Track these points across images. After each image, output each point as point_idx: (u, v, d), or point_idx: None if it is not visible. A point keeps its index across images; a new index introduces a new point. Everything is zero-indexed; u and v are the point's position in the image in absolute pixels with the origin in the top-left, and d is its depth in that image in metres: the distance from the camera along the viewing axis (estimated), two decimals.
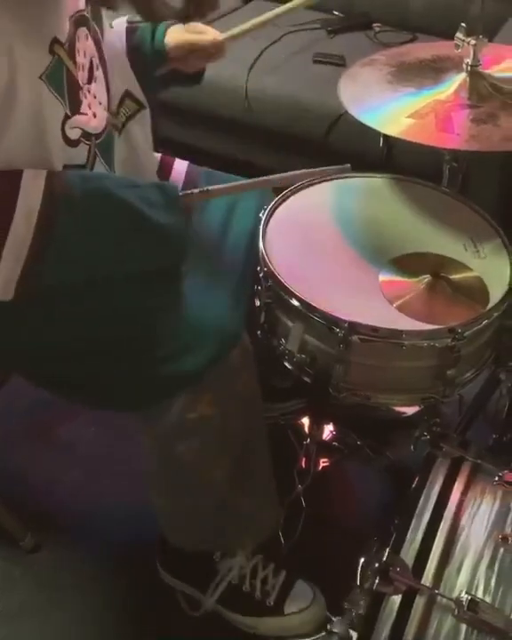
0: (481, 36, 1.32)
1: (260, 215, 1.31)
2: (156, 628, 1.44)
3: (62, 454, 1.76)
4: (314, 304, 1.16)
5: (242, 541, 1.43)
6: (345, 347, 1.14)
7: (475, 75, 1.34)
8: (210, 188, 1.24)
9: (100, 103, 1.19)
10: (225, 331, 1.20)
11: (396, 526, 1.08)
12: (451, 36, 1.36)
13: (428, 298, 1.19)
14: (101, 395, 1.22)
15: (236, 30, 1.35)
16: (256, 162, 2.31)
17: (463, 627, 0.96)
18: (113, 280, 1.14)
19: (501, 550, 1.04)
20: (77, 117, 1.12)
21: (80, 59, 1.13)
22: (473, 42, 1.32)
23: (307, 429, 1.60)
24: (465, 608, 0.96)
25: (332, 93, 1.39)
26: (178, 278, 1.22)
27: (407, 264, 1.24)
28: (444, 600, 0.98)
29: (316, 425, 1.58)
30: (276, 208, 1.34)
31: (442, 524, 1.07)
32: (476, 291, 1.20)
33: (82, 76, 1.14)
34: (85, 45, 1.15)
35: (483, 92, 1.34)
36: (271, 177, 1.28)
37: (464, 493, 1.11)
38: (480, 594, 0.99)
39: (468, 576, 1.01)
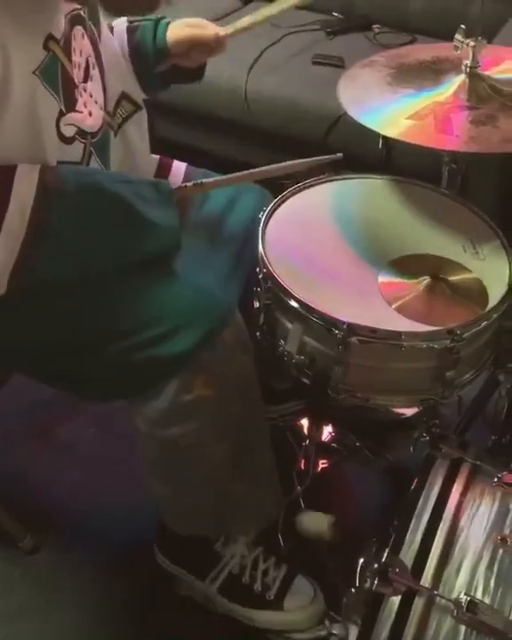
0: (480, 38, 1.32)
1: (260, 216, 1.31)
2: (155, 628, 1.44)
3: (62, 454, 1.76)
4: (313, 305, 1.16)
5: (243, 527, 1.43)
6: (344, 348, 1.14)
7: (474, 76, 1.35)
8: (203, 180, 1.25)
9: (97, 102, 1.20)
10: (215, 310, 1.20)
11: (395, 527, 1.08)
12: (450, 38, 1.36)
13: (428, 299, 1.19)
14: (97, 384, 1.23)
15: (237, 25, 1.35)
16: (255, 163, 2.28)
17: (462, 628, 0.96)
18: (105, 274, 1.15)
19: (500, 551, 1.03)
20: (72, 115, 1.12)
21: (76, 57, 1.13)
22: (472, 43, 1.32)
23: (306, 431, 1.60)
24: (464, 609, 0.96)
25: (332, 95, 1.39)
26: (165, 263, 1.22)
27: (406, 265, 1.24)
28: (443, 601, 0.98)
29: (315, 426, 1.58)
30: (275, 209, 1.34)
31: (441, 525, 1.07)
32: (476, 292, 1.20)
33: (77, 75, 1.14)
34: (81, 44, 1.16)
35: (482, 93, 1.34)
36: (264, 168, 1.29)
37: (463, 494, 1.11)
38: (479, 595, 0.99)
39: (467, 577, 1.01)
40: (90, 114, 1.17)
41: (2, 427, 1.76)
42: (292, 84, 2.25)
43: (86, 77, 1.17)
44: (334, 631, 1.06)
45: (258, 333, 1.31)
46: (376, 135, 1.32)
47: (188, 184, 1.24)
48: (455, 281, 1.21)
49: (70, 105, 1.12)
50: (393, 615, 0.98)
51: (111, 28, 1.32)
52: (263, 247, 1.25)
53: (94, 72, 1.19)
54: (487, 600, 0.98)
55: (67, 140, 1.12)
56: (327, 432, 1.61)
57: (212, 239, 1.33)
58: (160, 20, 1.36)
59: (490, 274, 1.23)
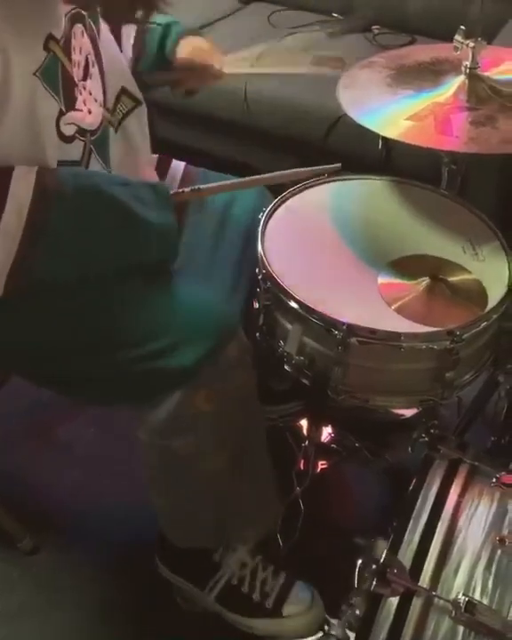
0: (480, 39, 1.32)
1: (259, 217, 1.31)
2: (155, 628, 1.45)
3: (62, 454, 1.77)
4: (312, 306, 1.16)
5: (242, 536, 1.43)
6: (343, 349, 1.14)
7: (473, 77, 1.35)
8: (201, 186, 1.25)
9: (96, 100, 1.20)
10: (221, 325, 1.20)
11: (393, 528, 1.08)
12: (450, 39, 1.36)
13: (427, 300, 1.19)
14: (98, 390, 1.23)
15: (242, 68, 1.37)
16: (254, 164, 2.30)
17: (460, 628, 0.96)
18: (105, 276, 1.15)
19: (499, 552, 1.03)
20: (72, 114, 1.12)
21: (76, 56, 1.13)
22: (472, 44, 1.32)
23: (305, 431, 1.60)
24: (462, 610, 0.96)
25: (331, 95, 1.39)
26: (167, 273, 1.22)
27: (406, 266, 1.24)
28: (442, 602, 0.98)
29: (315, 427, 1.58)
30: (274, 210, 1.34)
31: (439, 525, 1.07)
32: (475, 293, 1.20)
33: (77, 73, 1.14)
34: (81, 42, 1.16)
35: (481, 94, 1.34)
36: (262, 176, 1.30)
37: (461, 495, 1.11)
38: (477, 595, 0.99)
39: (466, 578, 1.01)
40: (89, 112, 1.17)
41: (2, 427, 1.76)
42: (291, 84, 2.25)
43: (86, 75, 1.17)
44: (333, 632, 1.06)
45: (257, 334, 1.31)
46: (376, 136, 1.32)
47: (186, 189, 1.24)
48: (455, 282, 1.21)
49: (70, 104, 1.12)
50: (391, 616, 0.98)
51: None
52: (263, 248, 1.25)
53: (94, 70, 1.19)
54: (485, 600, 0.98)
55: (67, 139, 1.12)
56: (326, 433, 1.62)
57: (214, 244, 1.34)
58: (170, 25, 1.36)
59: (489, 275, 1.23)
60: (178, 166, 1.47)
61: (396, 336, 1.13)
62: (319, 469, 1.60)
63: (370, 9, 2.57)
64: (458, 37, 1.35)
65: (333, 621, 1.06)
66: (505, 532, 1.05)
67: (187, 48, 1.37)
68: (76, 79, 1.13)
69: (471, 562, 1.03)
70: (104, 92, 1.23)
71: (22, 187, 1.03)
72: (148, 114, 1.34)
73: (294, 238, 1.30)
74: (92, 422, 1.81)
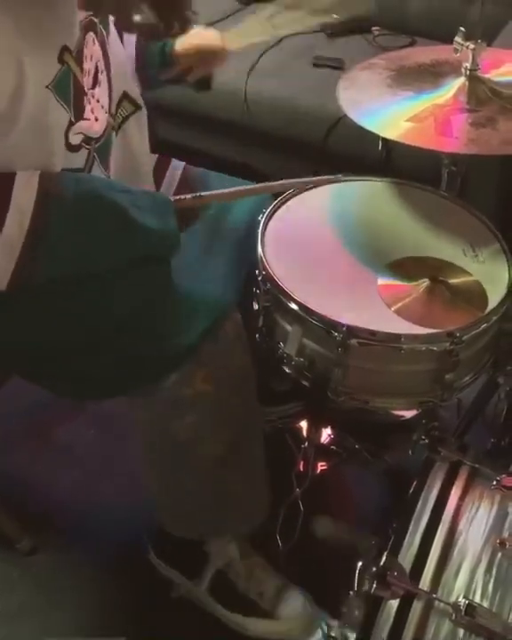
0: (480, 41, 1.33)
1: (259, 219, 1.31)
2: (155, 628, 1.44)
3: (62, 455, 1.77)
4: (312, 308, 1.16)
5: (234, 525, 1.43)
6: (343, 350, 1.14)
7: (474, 79, 1.35)
8: (202, 193, 1.25)
9: (103, 107, 1.20)
10: (216, 304, 1.21)
11: (393, 530, 1.08)
12: (450, 40, 1.36)
13: (427, 302, 1.19)
14: (98, 380, 1.23)
15: (242, 40, 1.36)
16: (254, 165, 2.31)
17: (461, 631, 0.96)
18: (104, 276, 1.15)
19: (499, 555, 1.03)
20: (81, 123, 1.12)
21: (87, 64, 1.13)
22: (472, 46, 1.32)
23: (305, 433, 1.60)
24: (462, 612, 0.96)
25: (331, 97, 1.39)
26: (168, 265, 1.22)
27: (406, 268, 1.24)
28: (442, 604, 0.98)
29: (314, 428, 1.58)
30: (274, 211, 1.34)
31: (439, 528, 1.07)
32: (475, 295, 1.20)
33: (87, 81, 1.14)
34: (92, 50, 1.15)
35: (482, 96, 1.34)
36: (264, 184, 1.30)
37: (462, 497, 1.11)
38: (477, 598, 0.99)
39: (466, 580, 1.01)
40: (96, 119, 1.17)
41: (2, 427, 1.76)
42: (291, 86, 2.25)
43: (95, 83, 1.17)
44: (332, 633, 1.06)
45: (257, 335, 1.31)
46: (376, 137, 1.33)
47: (187, 196, 1.24)
48: (454, 283, 1.21)
49: (79, 114, 1.12)
50: (391, 618, 0.98)
51: None
52: (263, 249, 1.26)
53: (102, 76, 1.19)
54: (485, 603, 0.98)
55: (73, 149, 1.12)
56: (326, 434, 1.61)
57: (211, 240, 1.34)
58: None
59: (489, 276, 1.23)
60: (177, 167, 1.47)
61: (395, 338, 1.13)
62: (319, 471, 1.60)
63: (370, 10, 2.56)
64: (458, 39, 1.35)
65: (333, 623, 1.06)
66: (505, 534, 1.05)
67: (186, 38, 1.37)
68: (85, 88, 1.13)
69: (471, 565, 1.03)
70: (109, 98, 1.23)
71: (25, 192, 1.03)
72: (148, 114, 1.34)
73: (294, 240, 1.30)
74: (91, 422, 1.81)
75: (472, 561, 1.03)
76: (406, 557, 1.04)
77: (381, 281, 1.22)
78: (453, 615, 0.97)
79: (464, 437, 1.45)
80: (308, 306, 1.16)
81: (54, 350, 1.20)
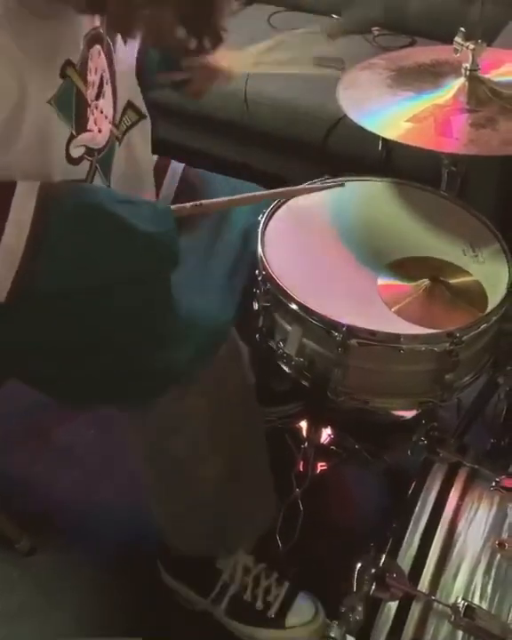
0: (480, 41, 1.32)
1: (259, 218, 1.31)
2: (155, 628, 1.44)
3: (62, 455, 1.77)
4: (312, 308, 1.16)
5: (241, 538, 1.43)
6: (343, 350, 1.14)
7: (474, 79, 1.35)
8: (203, 201, 1.23)
9: (106, 117, 1.19)
10: (213, 326, 1.20)
11: (392, 531, 1.08)
12: (449, 40, 1.36)
13: (427, 302, 1.19)
14: (91, 390, 1.23)
15: (245, 67, 1.38)
16: (254, 165, 2.30)
17: (460, 633, 0.96)
18: (104, 286, 1.14)
19: (498, 556, 1.03)
20: (82, 136, 1.11)
21: (91, 76, 1.12)
22: (472, 46, 1.32)
23: (304, 433, 1.60)
24: (461, 614, 0.96)
25: (332, 97, 1.39)
26: (167, 281, 1.22)
27: (406, 268, 1.24)
28: (441, 606, 0.98)
29: (314, 428, 1.58)
30: (274, 211, 1.34)
31: (439, 529, 1.07)
32: (475, 295, 1.20)
33: (91, 93, 1.13)
34: (97, 62, 1.14)
35: (482, 96, 1.34)
36: (265, 192, 1.32)
37: (461, 498, 1.11)
38: (476, 600, 0.99)
39: (465, 582, 1.01)
40: (99, 131, 1.16)
41: (2, 427, 1.76)
42: (291, 86, 2.25)
43: (99, 95, 1.16)
44: (332, 634, 1.05)
45: (257, 335, 1.31)
46: (376, 137, 1.33)
47: (188, 205, 1.23)
48: (454, 284, 1.21)
49: (81, 127, 1.11)
50: (390, 620, 0.98)
51: None
52: (263, 249, 1.25)
53: (107, 87, 1.18)
54: (484, 605, 0.98)
55: (74, 162, 1.12)
56: (326, 434, 1.61)
57: (211, 244, 1.33)
58: None
59: (489, 276, 1.23)
60: (177, 168, 1.46)
61: (395, 338, 1.13)
62: (318, 471, 1.60)
63: (370, 10, 2.56)
64: (458, 39, 1.35)
65: (332, 624, 1.05)
66: (504, 536, 1.05)
67: None
68: (88, 100, 1.12)
69: (470, 566, 1.02)
70: (114, 109, 1.22)
71: (25, 202, 1.03)
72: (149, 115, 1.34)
73: (294, 240, 1.30)
74: (91, 423, 1.81)
75: (471, 562, 1.03)
76: (405, 559, 1.04)
77: (381, 281, 1.22)
78: (452, 617, 0.96)
79: (463, 438, 1.45)
80: (308, 306, 1.16)
81: (53, 351, 1.20)
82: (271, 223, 1.32)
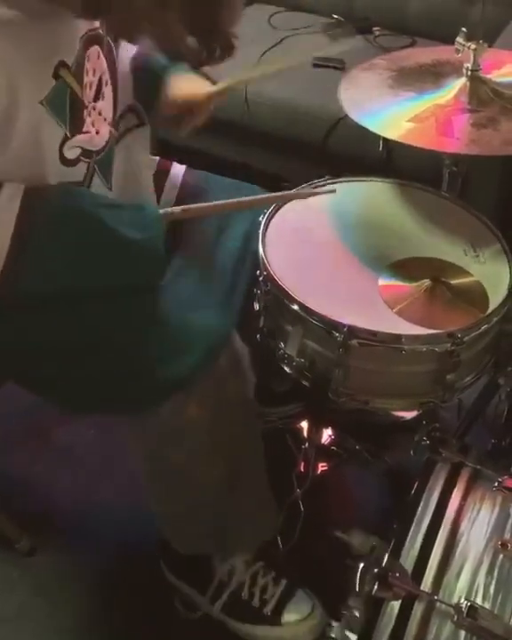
0: (481, 41, 1.32)
1: (260, 219, 1.31)
2: (155, 629, 1.44)
3: (62, 455, 1.77)
4: (313, 308, 1.16)
5: (240, 545, 1.43)
6: (344, 351, 1.14)
7: (475, 79, 1.34)
8: (190, 206, 1.23)
9: (105, 119, 1.19)
10: (213, 335, 1.20)
11: (394, 531, 1.08)
12: (451, 41, 1.36)
13: (428, 302, 1.19)
14: (90, 396, 1.22)
15: (228, 82, 1.37)
16: (255, 165, 2.30)
17: (462, 633, 0.95)
18: (91, 292, 1.14)
19: (501, 556, 1.03)
20: (78, 137, 1.11)
21: (88, 78, 1.12)
22: (473, 46, 1.32)
23: (305, 433, 1.60)
24: (464, 614, 0.95)
25: (332, 97, 1.39)
26: (154, 291, 1.21)
27: (406, 268, 1.24)
28: (444, 606, 0.98)
29: (315, 429, 1.58)
30: (275, 212, 1.34)
31: (441, 529, 1.06)
32: (476, 295, 1.20)
33: (88, 95, 1.13)
34: (96, 64, 1.14)
35: (483, 96, 1.34)
36: (255, 197, 1.30)
37: (463, 499, 1.10)
38: (479, 600, 0.98)
39: (468, 582, 1.01)
40: (97, 132, 1.16)
41: (2, 427, 1.76)
42: (292, 86, 2.25)
43: (97, 96, 1.16)
44: (333, 634, 1.05)
45: (258, 336, 1.31)
46: (377, 138, 1.33)
47: (176, 209, 1.22)
48: (455, 284, 1.21)
49: (77, 128, 1.11)
50: (393, 620, 0.98)
51: None
52: (263, 249, 1.25)
53: (107, 89, 1.18)
54: (487, 605, 0.98)
55: (70, 163, 1.11)
56: (327, 435, 1.61)
57: (213, 245, 1.33)
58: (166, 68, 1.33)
59: (490, 277, 1.23)
60: (178, 171, 1.46)
61: (396, 338, 1.13)
62: (319, 471, 1.60)
63: (370, 11, 2.56)
64: (459, 39, 1.35)
65: (334, 624, 1.05)
66: (507, 536, 1.05)
67: (177, 85, 1.34)
68: (86, 101, 1.12)
69: (473, 566, 1.02)
70: (114, 111, 1.22)
71: (9, 205, 1.03)
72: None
73: (295, 240, 1.30)
74: (92, 423, 1.81)
75: (474, 562, 1.02)
76: (408, 559, 1.04)
77: (382, 281, 1.22)
78: (455, 617, 0.96)
79: (464, 438, 1.45)
80: (309, 306, 1.16)
81: (45, 359, 1.19)
82: (272, 224, 1.32)
